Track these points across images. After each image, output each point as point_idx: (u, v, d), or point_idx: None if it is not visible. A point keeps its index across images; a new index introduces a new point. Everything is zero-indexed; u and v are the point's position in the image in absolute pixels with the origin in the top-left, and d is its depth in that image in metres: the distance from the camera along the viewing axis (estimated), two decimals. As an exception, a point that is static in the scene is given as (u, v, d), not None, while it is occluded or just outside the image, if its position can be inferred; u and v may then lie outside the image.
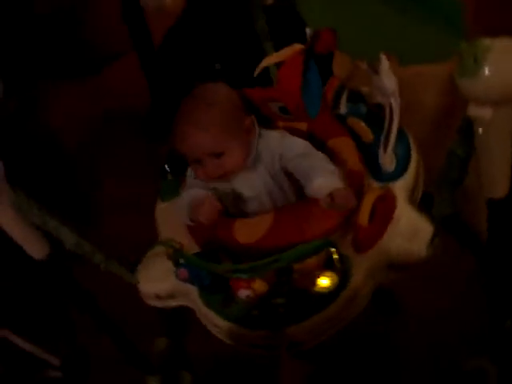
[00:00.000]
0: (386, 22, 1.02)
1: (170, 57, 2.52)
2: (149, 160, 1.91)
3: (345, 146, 1.34)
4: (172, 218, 1.43)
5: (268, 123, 1.39)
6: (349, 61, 1.33)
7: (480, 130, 0.99)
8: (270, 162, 1.31)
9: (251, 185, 1.31)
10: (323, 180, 1.18)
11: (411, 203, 1.31)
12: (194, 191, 1.29)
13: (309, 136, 1.36)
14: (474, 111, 0.96)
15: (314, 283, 1.19)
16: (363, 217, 1.23)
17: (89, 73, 2.90)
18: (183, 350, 1.78)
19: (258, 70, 1.40)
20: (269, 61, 1.40)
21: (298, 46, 1.37)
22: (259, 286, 1.19)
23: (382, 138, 1.30)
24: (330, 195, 1.15)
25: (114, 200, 2.31)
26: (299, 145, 1.29)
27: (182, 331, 1.75)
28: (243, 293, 1.19)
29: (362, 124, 1.38)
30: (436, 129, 2.07)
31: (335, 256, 1.19)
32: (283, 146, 1.30)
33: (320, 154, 1.27)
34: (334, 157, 1.31)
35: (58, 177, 2.43)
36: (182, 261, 1.25)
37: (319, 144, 1.33)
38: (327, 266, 1.20)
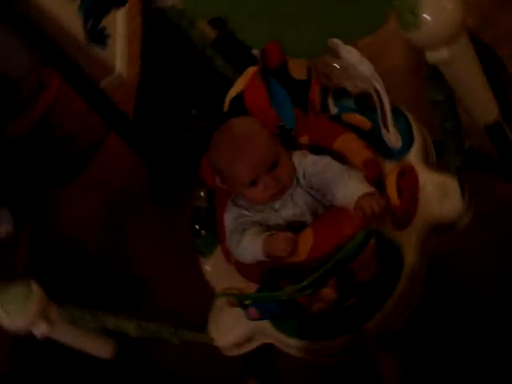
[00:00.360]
0: (319, 9, 1.06)
1: (147, 120, 2.58)
2: (174, 223, 1.96)
3: (350, 141, 1.38)
4: (220, 269, 1.48)
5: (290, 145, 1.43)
6: (304, 62, 1.41)
7: (446, 69, 1.03)
8: (302, 179, 1.34)
9: (295, 205, 1.33)
10: (346, 190, 1.24)
11: (429, 167, 1.36)
12: (251, 232, 1.30)
13: (313, 147, 1.41)
14: (431, 57, 0.99)
15: (369, 276, 1.24)
16: (393, 197, 1.27)
17: (80, 169, 2.96)
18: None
19: (225, 106, 1.48)
20: (231, 94, 1.48)
21: (251, 70, 1.46)
22: (328, 294, 1.22)
23: (380, 120, 1.35)
24: (357, 209, 1.21)
25: (157, 270, 2.34)
26: (320, 160, 1.33)
27: (269, 366, 1.78)
28: (316, 306, 1.23)
29: (357, 115, 1.43)
30: (412, 83, 2.10)
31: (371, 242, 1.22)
32: (306, 163, 1.34)
33: (341, 166, 1.31)
34: (344, 156, 1.36)
35: (96, 270, 2.47)
36: (247, 302, 1.29)
37: (326, 150, 1.38)
38: (379, 252, 1.24)
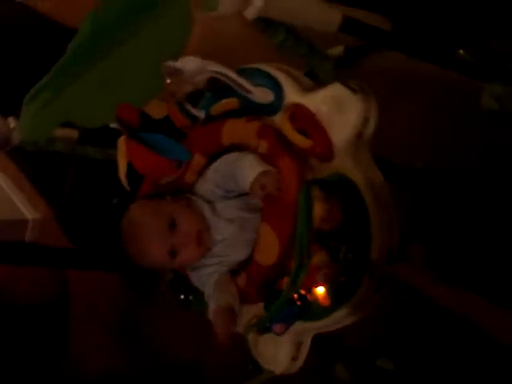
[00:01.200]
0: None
1: (83, 236, 2.53)
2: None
3: (232, 128, 1.35)
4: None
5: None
6: (156, 101, 1.40)
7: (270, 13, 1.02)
8: (220, 196, 1.34)
9: (231, 220, 1.32)
10: (243, 179, 1.25)
11: (309, 91, 1.31)
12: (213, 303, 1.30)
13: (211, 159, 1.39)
14: (249, 15, 1.01)
15: (337, 219, 1.21)
16: (301, 142, 1.25)
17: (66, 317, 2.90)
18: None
19: (126, 186, 1.48)
20: (122, 174, 1.47)
21: (121, 141, 1.44)
22: (320, 259, 1.20)
23: (239, 90, 1.31)
24: (254, 191, 1.23)
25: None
26: (219, 163, 1.34)
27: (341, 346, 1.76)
28: (321, 276, 1.20)
29: (221, 102, 1.39)
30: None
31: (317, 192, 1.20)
32: (210, 176, 1.35)
33: (235, 155, 1.31)
34: (237, 143, 1.33)
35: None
36: (267, 323, 1.25)
37: (221, 152, 1.36)
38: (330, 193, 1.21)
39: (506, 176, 1.62)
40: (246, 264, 1.32)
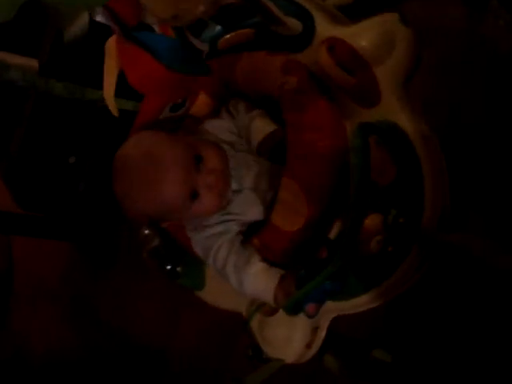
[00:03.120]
0: None
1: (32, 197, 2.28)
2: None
3: (249, 62, 1.13)
4: (226, 288, 1.18)
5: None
6: None
7: None
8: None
9: (247, 168, 1.10)
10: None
11: (346, 25, 1.11)
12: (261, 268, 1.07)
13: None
14: None
15: (392, 172, 1.00)
16: (343, 77, 1.04)
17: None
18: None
19: (112, 109, 1.19)
20: (108, 87, 1.17)
21: (111, 42, 1.14)
22: (373, 221, 0.98)
23: (264, 17, 1.08)
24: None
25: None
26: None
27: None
28: (374, 244, 0.99)
29: (231, 34, 1.12)
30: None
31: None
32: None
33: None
34: (256, 82, 1.12)
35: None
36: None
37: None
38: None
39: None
40: (259, 228, 1.08)
